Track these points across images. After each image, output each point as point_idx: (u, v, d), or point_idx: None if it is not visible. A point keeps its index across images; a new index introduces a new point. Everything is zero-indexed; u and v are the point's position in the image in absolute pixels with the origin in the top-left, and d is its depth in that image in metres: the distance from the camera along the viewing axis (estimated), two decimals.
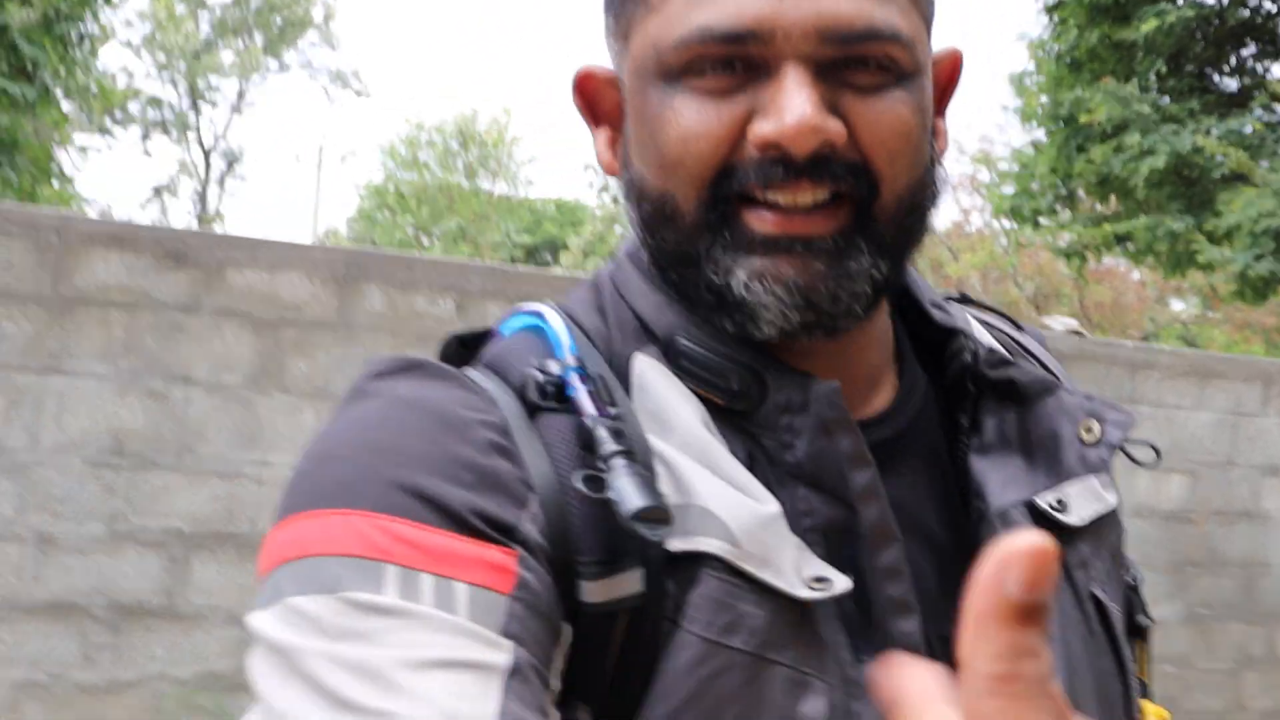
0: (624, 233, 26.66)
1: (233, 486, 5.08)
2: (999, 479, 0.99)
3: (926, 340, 1.08)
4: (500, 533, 0.84)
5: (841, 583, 0.88)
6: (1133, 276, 29.03)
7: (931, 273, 34.29)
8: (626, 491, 0.84)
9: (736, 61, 0.90)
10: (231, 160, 41.12)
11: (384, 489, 0.83)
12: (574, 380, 0.93)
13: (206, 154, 40.82)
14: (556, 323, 1.01)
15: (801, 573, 0.88)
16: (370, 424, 0.89)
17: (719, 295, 0.94)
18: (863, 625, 0.91)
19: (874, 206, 0.92)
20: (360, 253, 5.55)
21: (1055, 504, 1.00)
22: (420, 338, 5.40)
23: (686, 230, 0.94)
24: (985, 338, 1.10)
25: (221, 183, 41.43)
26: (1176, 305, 30.96)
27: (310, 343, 5.24)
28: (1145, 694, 1.16)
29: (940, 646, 0.94)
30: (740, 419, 0.96)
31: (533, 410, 0.93)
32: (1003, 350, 1.07)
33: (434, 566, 0.80)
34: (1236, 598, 7.55)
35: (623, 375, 0.98)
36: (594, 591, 0.86)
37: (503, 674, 0.77)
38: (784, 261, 0.91)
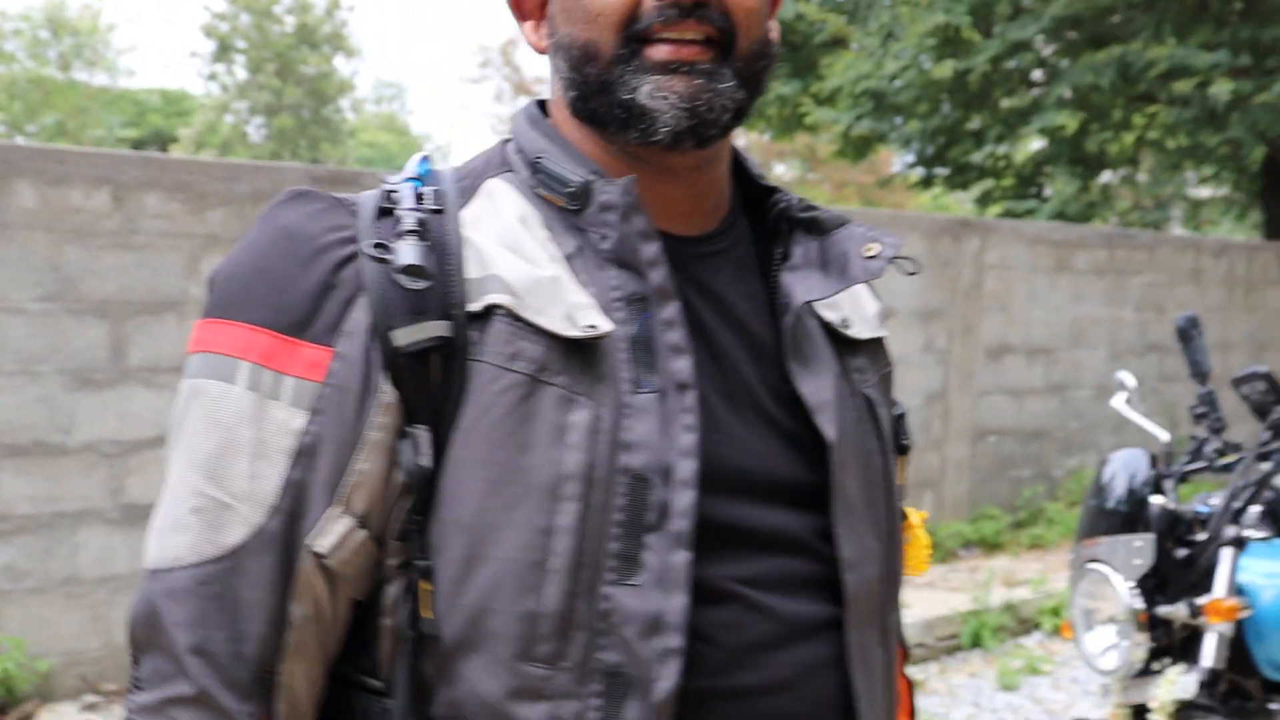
0: (234, 120, 25.73)
1: None
2: (802, 287, 1.29)
3: (753, 197, 1.40)
4: (325, 334, 1.19)
5: (606, 326, 1.19)
6: (739, 143, 29.77)
7: None
8: (401, 253, 1.17)
9: None
10: None
11: (252, 305, 1.20)
12: (404, 189, 1.25)
13: None
14: (432, 163, 1.32)
15: (576, 320, 1.18)
16: (254, 249, 1.24)
17: (628, 109, 1.23)
18: (649, 364, 1.20)
19: (735, 49, 1.24)
20: (8, 147, 5.39)
21: (841, 322, 1.33)
22: (77, 232, 5.30)
23: (605, 64, 1.24)
24: (794, 197, 1.40)
25: None
26: (780, 168, 32.10)
27: None
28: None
29: (743, 398, 1.26)
30: (575, 218, 1.25)
31: (381, 213, 1.24)
32: (809, 201, 1.38)
33: (274, 364, 1.18)
34: None
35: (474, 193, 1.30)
36: (402, 336, 1.17)
37: (291, 452, 1.17)
38: (676, 79, 1.22)
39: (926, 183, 14.07)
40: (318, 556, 1.17)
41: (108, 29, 38.44)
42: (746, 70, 1.26)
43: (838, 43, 13.05)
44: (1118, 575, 2.98)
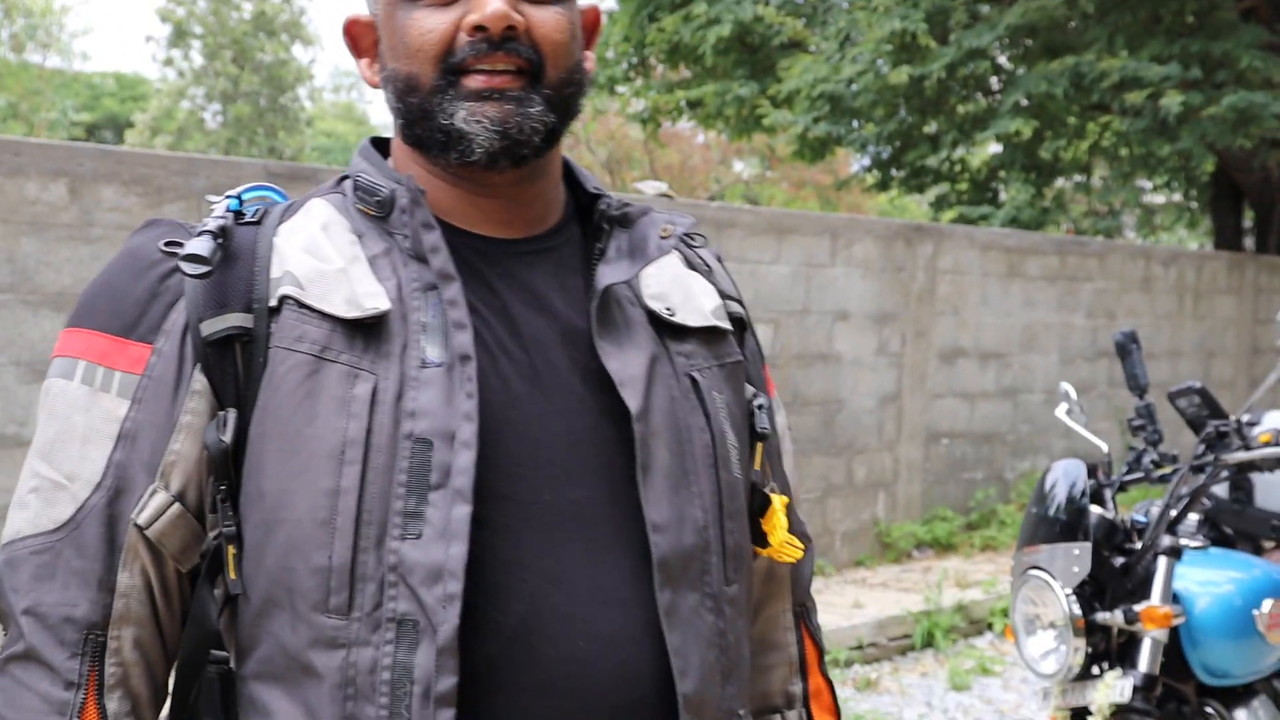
0: (190, 106, 25.53)
1: None
2: (609, 273, 1.43)
3: (587, 206, 1.53)
4: (149, 333, 1.35)
5: (385, 306, 1.34)
6: (698, 139, 29.79)
7: None
8: (191, 247, 1.32)
9: None
10: None
11: (96, 315, 1.37)
12: (220, 206, 1.42)
13: None
14: (264, 193, 1.50)
15: (361, 304, 1.33)
16: (107, 269, 1.41)
17: (447, 133, 1.37)
18: (439, 342, 1.34)
19: (544, 78, 1.39)
20: None
21: (666, 310, 1.46)
22: (33, 224, 5.31)
23: (426, 93, 1.38)
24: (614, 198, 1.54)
25: None
26: (739, 166, 32.09)
27: None
28: (773, 488, 1.55)
29: (549, 377, 1.39)
30: (384, 223, 1.41)
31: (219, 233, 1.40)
32: (625, 199, 1.52)
33: (105, 361, 1.35)
34: (818, 432, 8.23)
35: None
36: (207, 327, 1.33)
37: (115, 436, 1.33)
38: (489, 105, 1.36)
39: (882, 185, 14.18)
40: (139, 528, 1.31)
41: (62, 11, 37.82)
42: (556, 96, 1.39)
43: (795, 45, 13.11)
44: (1057, 582, 3.07)
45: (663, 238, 1.45)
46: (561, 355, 1.40)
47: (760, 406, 1.54)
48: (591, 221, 1.51)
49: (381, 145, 1.51)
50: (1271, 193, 13.39)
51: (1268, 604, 3.25)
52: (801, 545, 1.56)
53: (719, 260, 1.63)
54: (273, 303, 1.34)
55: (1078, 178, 14.20)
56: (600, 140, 31.23)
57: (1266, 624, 3.24)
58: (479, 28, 1.34)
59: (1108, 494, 3.31)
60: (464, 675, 1.24)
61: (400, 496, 1.27)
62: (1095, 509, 3.18)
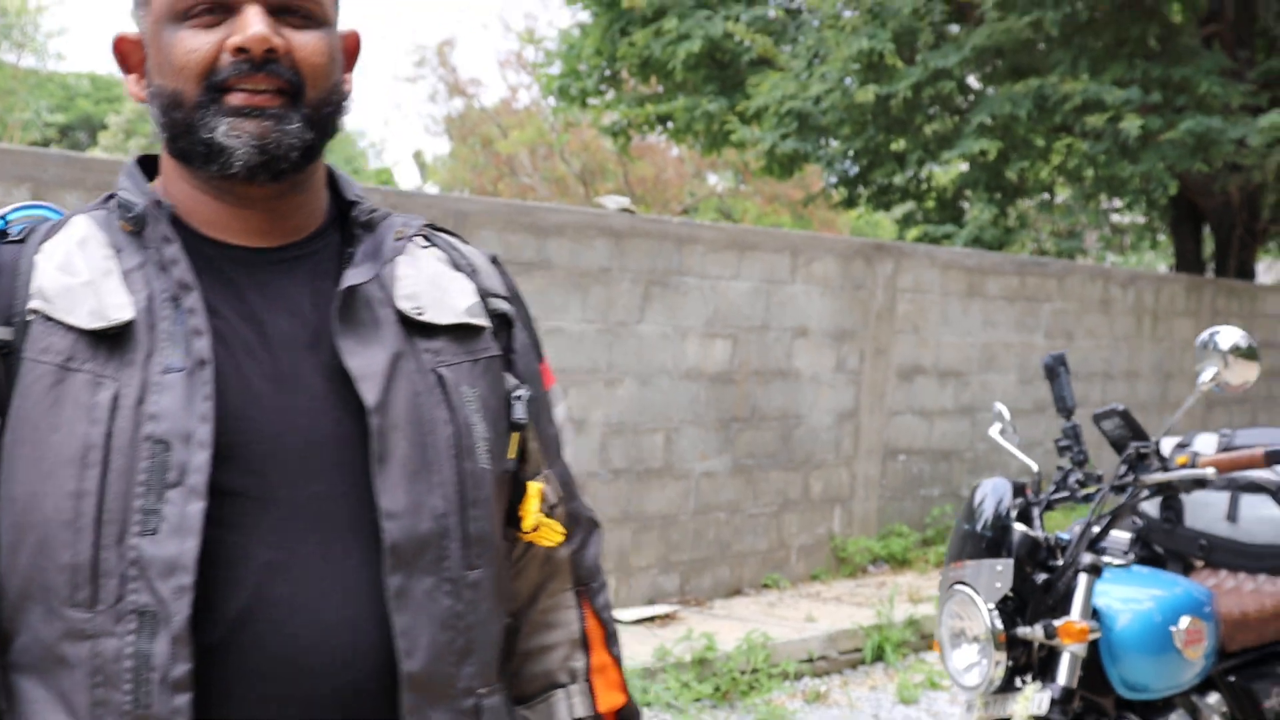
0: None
1: None
2: (352, 276, 1.52)
3: (349, 214, 1.62)
4: None
5: (127, 317, 1.42)
6: (672, 153, 29.82)
7: (482, 149, 34.64)
8: None
9: (216, 7, 1.46)
10: None
11: None
12: None
13: None
14: (36, 211, 1.61)
15: (107, 315, 1.42)
16: None
17: (208, 146, 1.46)
18: (182, 348, 1.43)
19: (303, 98, 1.48)
20: None
21: (414, 309, 1.55)
22: None
23: (189, 109, 1.47)
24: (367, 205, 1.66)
25: None
26: (713, 179, 32.15)
27: None
28: (546, 475, 1.67)
29: (291, 378, 1.47)
30: (140, 239, 1.49)
31: None
32: (376, 205, 1.63)
33: None
34: (776, 448, 8.33)
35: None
36: None
37: None
38: (248, 121, 1.45)
39: (849, 202, 14.31)
40: None
41: (37, 11, 37.85)
42: (314, 115, 1.49)
43: (765, 62, 13.23)
44: (980, 597, 3.18)
45: (397, 239, 1.56)
46: (308, 357, 1.49)
47: (518, 398, 1.61)
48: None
49: (152, 161, 1.60)
50: (1231, 217, 13.56)
51: (1185, 621, 3.37)
52: (562, 530, 1.65)
53: (493, 261, 1.72)
54: (29, 317, 1.44)
55: (1043, 197, 14.33)
56: (574, 152, 31.28)
57: (1184, 640, 3.35)
58: (241, 49, 1.44)
59: (1035, 512, 3.41)
60: (198, 661, 1.35)
61: (140, 495, 1.37)
62: (1021, 527, 3.29)
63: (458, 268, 1.64)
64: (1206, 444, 4.21)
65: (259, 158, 1.45)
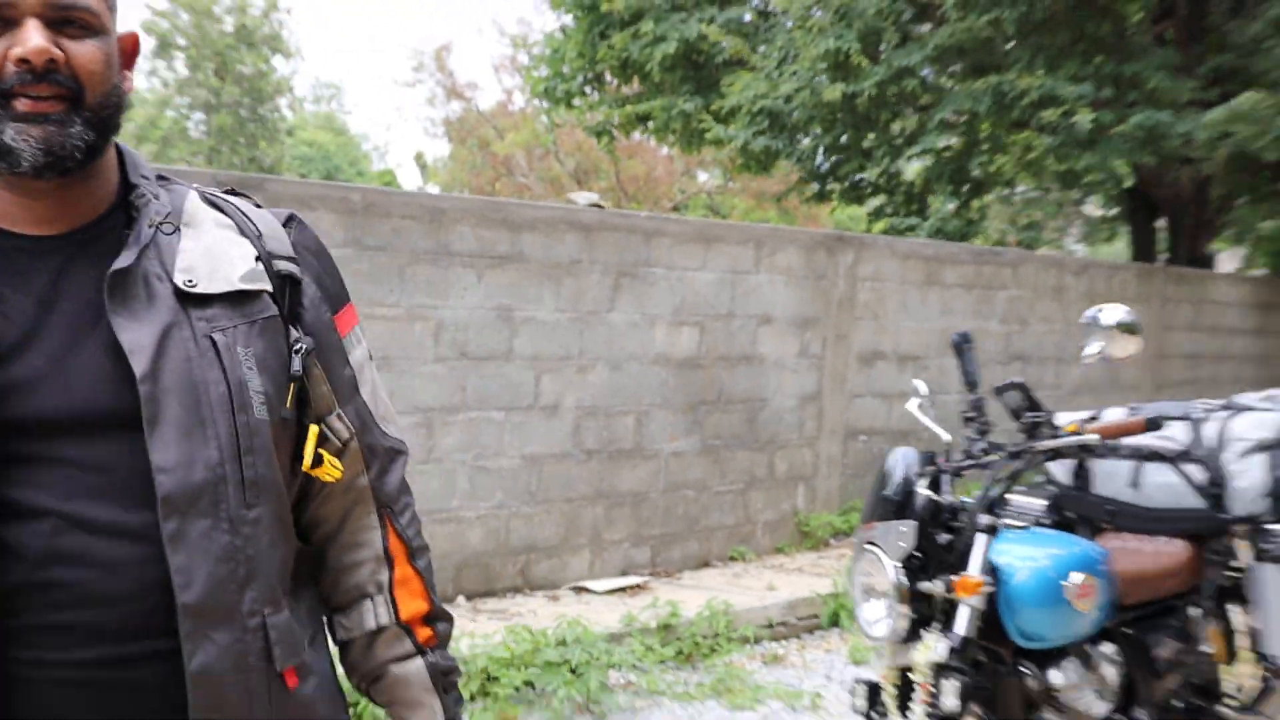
0: (175, 116, 25.44)
1: None
2: (124, 257, 1.64)
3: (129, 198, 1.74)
4: None
5: None
6: (662, 152, 29.86)
7: (480, 151, 34.65)
8: None
9: None
10: None
11: None
12: None
13: None
14: None
15: None
16: None
17: (2, 148, 1.55)
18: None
19: (83, 102, 1.59)
20: None
21: (186, 282, 1.66)
22: None
23: None
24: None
25: None
26: (702, 177, 32.15)
27: None
28: (339, 415, 1.82)
29: (76, 354, 1.59)
30: None
31: None
32: (152, 188, 1.74)
33: None
34: (742, 429, 8.48)
35: None
36: None
37: None
38: (33, 126, 1.56)
39: (820, 196, 14.43)
40: None
41: None
42: (95, 117, 1.61)
43: (738, 63, 13.35)
44: (886, 556, 3.34)
45: (149, 227, 1.68)
46: (91, 335, 1.60)
47: (297, 351, 1.75)
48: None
49: None
50: (1183, 207, 13.70)
51: (1076, 577, 3.52)
52: (340, 467, 1.79)
53: (288, 222, 1.84)
54: None
55: (1003, 192, 14.46)
56: (569, 152, 31.34)
57: (1075, 594, 3.51)
58: (23, 60, 1.55)
59: (944, 479, 3.57)
60: (3, 600, 1.52)
61: None
62: (924, 491, 3.44)
63: (244, 234, 1.76)
64: (1115, 415, 4.37)
65: (45, 159, 1.56)
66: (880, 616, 3.36)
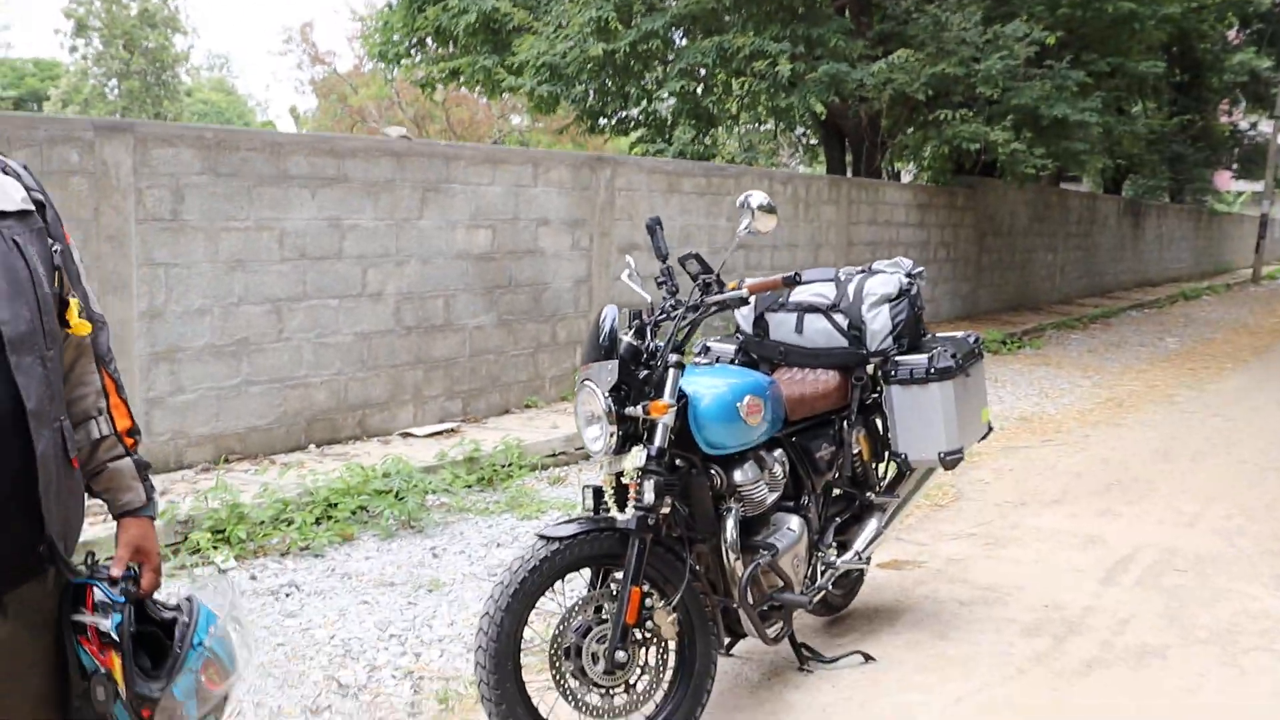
0: (94, 83, 24.19)
1: None
2: None
3: None
4: None
5: None
6: (482, 101, 29.34)
7: (339, 104, 33.51)
8: None
9: None
10: None
11: None
12: None
13: None
14: None
15: None
16: None
17: None
18: None
19: None
20: None
21: None
22: None
23: None
24: None
25: None
26: (516, 120, 31.77)
27: None
28: (72, 295, 1.92)
29: None
30: None
31: None
32: None
33: None
34: (529, 307, 8.31)
35: None
36: None
37: None
38: None
39: (593, 130, 14.20)
40: None
41: None
42: None
43: (525, 29, 13.00)
44: (598, 388, 3.23)
45: None
46: None
47: (56, 251, 1.88)
48: None
49: None
50: (862, 135, 13.84)
51: (747, 399, 3.46)
52: (91, 324, 1.95)
53: (24, 169, 1.91)
54: None
55: (733, 126, 14.40)
56: (409, 102, 30.51)
57: (746, 412, 3.46)
58: None
59: (648, 329, 3.45)
60: None
61: None
62: (627, 338, 3.32)
63: (6, 173, 1.87)
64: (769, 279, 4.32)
65: None
66: (597, 435, 3.26)
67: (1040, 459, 7.43)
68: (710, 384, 3.48)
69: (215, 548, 5.07)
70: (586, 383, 3.29)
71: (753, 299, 3.90)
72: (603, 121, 14.03)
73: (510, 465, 6.66)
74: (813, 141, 17.44)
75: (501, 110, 30.27)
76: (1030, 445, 7.88)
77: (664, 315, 3.48)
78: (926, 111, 12.65)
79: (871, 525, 4.15)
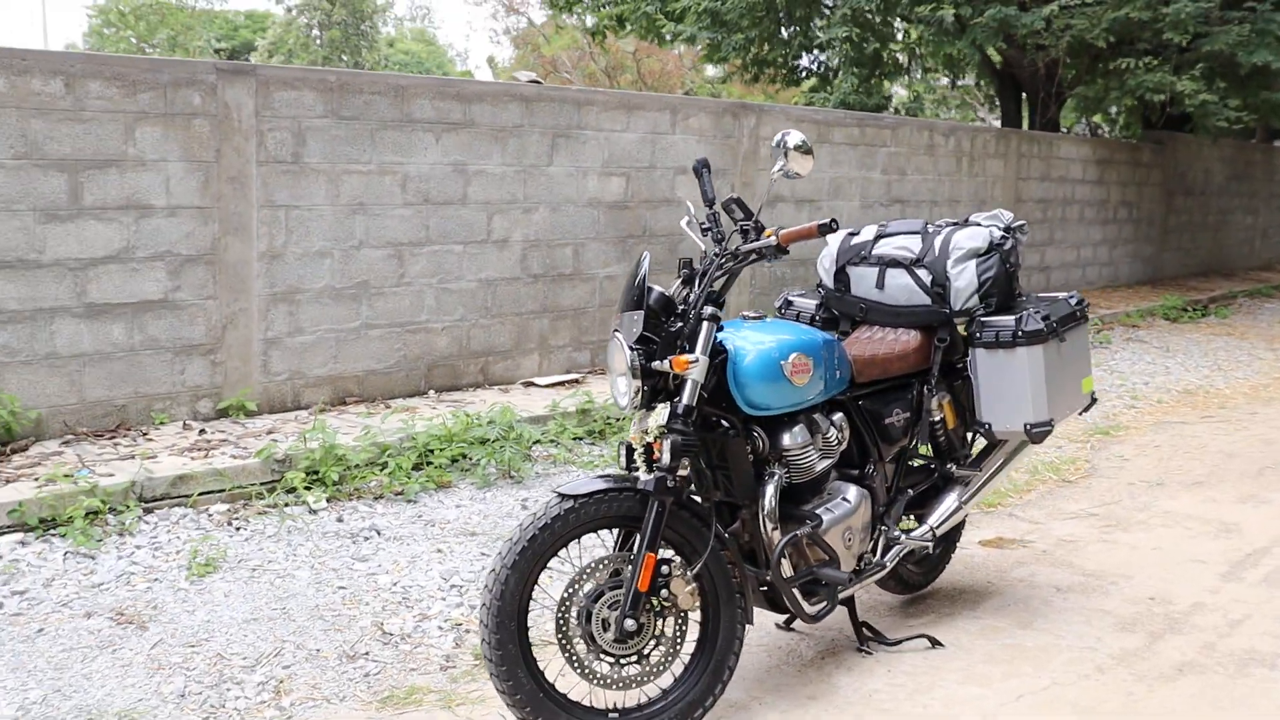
0: (299, 33, 25.19)
1: None
2: None
3: None
4: None
5: None
6: (675, 52, 29.11)
7: (532, 54, 33.85)
8: None
9: None
10: None
11: None
12: None
13: None
14: None
15: None
16: None
17: None
18: None
19: None
20: None
21: None
22: (39, 110, 5.25)
23: None
24: None
25: None
26: (710, 70, 31.34)
27: None
28: None
29: None
30: None
31: None
32: None
33: None
34: (664, 257, 8.08)
35: None
36: None
37: None
38: None
39: (755, 80, 13.80)
40: None
41: None
42: None
43: None
44: (624, 340, 3.03)
45: None
46: None
47: None
48: None
49: None
50: (1038, 84, 13.00)
51: (792, 356, 3.19)
52: None
53: None
54: None
55: (905, 78, 13.78)
56: (600, 54, 30.53)
57: (791, 370, 3.19)
58: None
59: (696, 279, 3.22)
60: None
61: None
62: (658, 288, 3.10)
63: None
64: (868, 233, 4.01)
65: None
66: (624, 390, 3.06)
67: (1193, 436, 6.81)
68: (756, 339, 3.22)
69: (309, 488, 5.11)
70: (616, 333, 3.09)
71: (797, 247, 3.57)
72: (770, 71, 13.60)
73: (624, 419, 6.52)
74: (990, 93, 16.56)
75: (693, 61, 29.93)
76: (1186, 421, 7.24)
77: (710, 263, 3.24)
78: (1109, 60, 11.76)
79: (949, 501, 3.82)
